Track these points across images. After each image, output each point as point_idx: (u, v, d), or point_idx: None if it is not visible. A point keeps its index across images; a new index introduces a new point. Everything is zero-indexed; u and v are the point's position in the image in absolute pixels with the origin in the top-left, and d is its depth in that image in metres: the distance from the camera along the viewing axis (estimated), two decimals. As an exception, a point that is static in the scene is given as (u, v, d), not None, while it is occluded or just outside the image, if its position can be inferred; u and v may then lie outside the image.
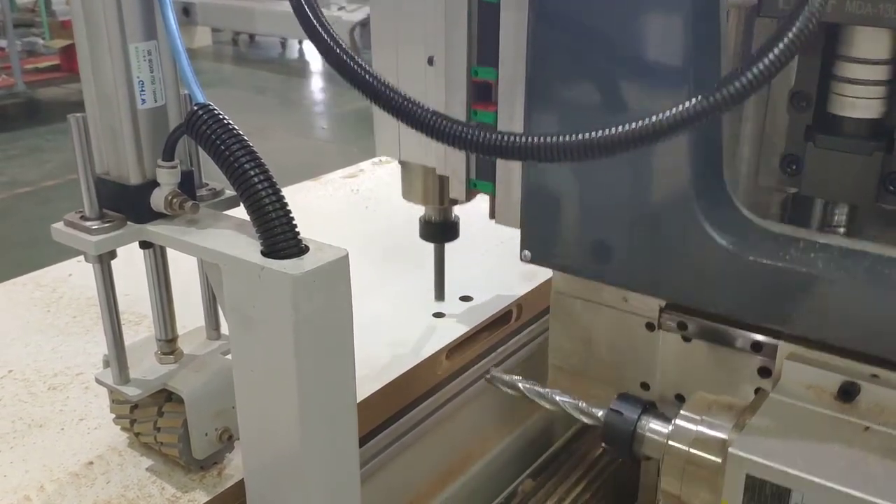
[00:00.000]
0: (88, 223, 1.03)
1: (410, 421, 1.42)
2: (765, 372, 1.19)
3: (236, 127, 0.98)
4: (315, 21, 1.03)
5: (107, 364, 1.13)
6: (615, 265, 1.16)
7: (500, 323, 1.60)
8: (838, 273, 1.00)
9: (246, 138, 0.97)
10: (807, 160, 1.12)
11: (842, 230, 1.15)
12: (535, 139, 0.90)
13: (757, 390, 1.19)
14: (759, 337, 1.18)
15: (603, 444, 1.18)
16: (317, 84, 8.97)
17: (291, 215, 0.96)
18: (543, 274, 1.63)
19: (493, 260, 1.78)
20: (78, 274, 1.73)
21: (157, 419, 1.14)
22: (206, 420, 1.13)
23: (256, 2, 9.02)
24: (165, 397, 1.14)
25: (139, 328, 1.51)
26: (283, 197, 0.96)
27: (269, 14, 8.71)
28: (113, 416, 1.20)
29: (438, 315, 1.57)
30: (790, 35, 0.82)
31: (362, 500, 1.10)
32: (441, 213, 1.47)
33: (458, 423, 1.56)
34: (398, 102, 0.97)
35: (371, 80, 0.98)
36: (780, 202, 1.29)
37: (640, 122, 0.86)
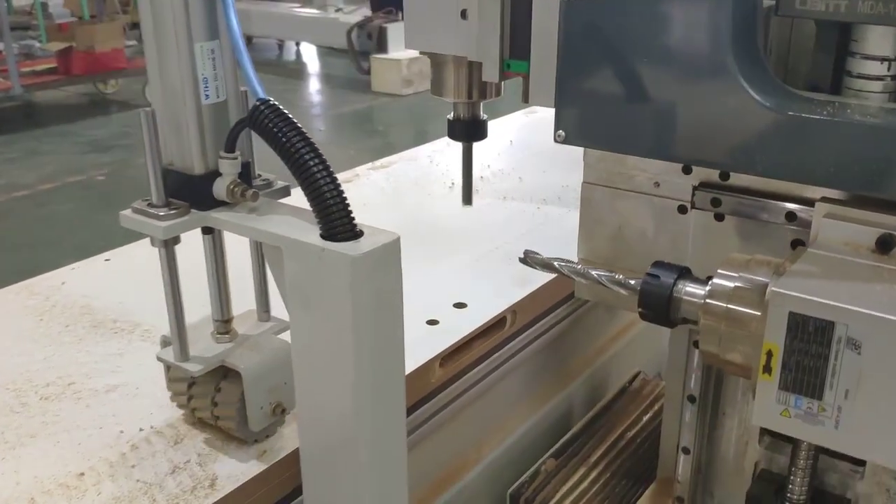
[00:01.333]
0: (156, 210, 1.10)
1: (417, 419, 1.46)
2: (798, 245, 1.20)
3: (296, 121, 1.05)
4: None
5: (165, 344, 1.21)
6: (652, 136, 1.13)
7: (495, 329, 1.60)
8: (881, 121, 1.00)
9: (305, 131, 1.05)
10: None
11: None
12: None
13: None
14: (794, 206, 1.21)
15: (639, 309, 1.17)
16: (314, 86, 9.02)
17: (347, 202, 1.04)
18: (538, 279, 1.66)
19: (488, 265, 1.77)
20: (71, 282, 1.73)
21: (214, 394, 1.21)
22: (261, 394, 1.20)
23: (252, 3, 9.08)
24: (222, 374, 1.22)
25: (132, 336, 1.51)
26: (339, 185, 1.04)
27: (266, 16, 8.76)
28: (169, 394, 1.27)
29: (432, 322, 1.56)
30: None
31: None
32: (469, 108, 1.46)
33: (489, 401, 1.62)
34: None
35: None
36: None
37: None
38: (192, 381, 1.23)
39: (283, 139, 1.04)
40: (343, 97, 8.32)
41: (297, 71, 9.51)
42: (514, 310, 1.62)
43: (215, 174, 1.12)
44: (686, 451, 1.49)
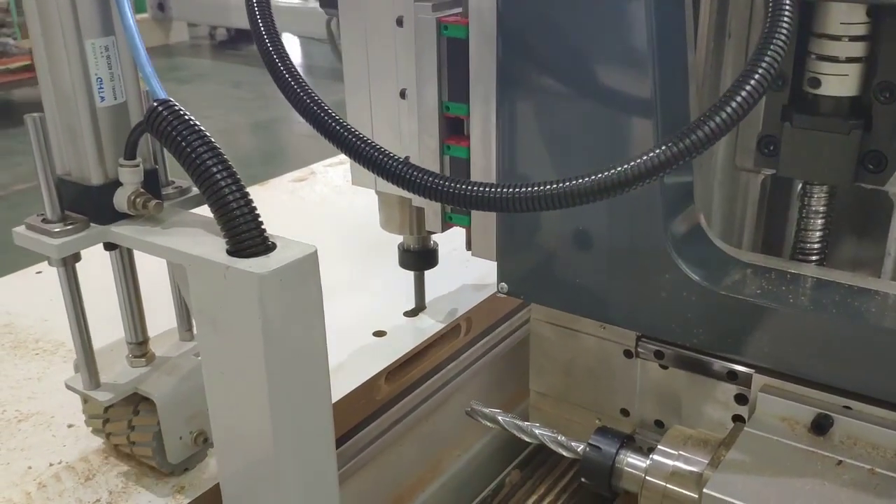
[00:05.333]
0: (50, 226, 1.00)
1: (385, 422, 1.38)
2: (741, 399, 1.19)
3: (198, 123, 0.95)
4: (287, 75, 1.02)
5: (77, 369, 1.11)
6: (591, 299, 1.16)
7: (449, 338, 1.50)
8: (809, 306, 1.00)
9: (208, 134, 0.94)
10: (783, 141, 1.11)
11: (821, 215, 1.14)
12: (501, 190, 0.91)
13: (735, 417, 1.20)
14: (735, 366, 1.17)
15: (582, 479, 1.18)
16: (296, 77, 8.89)
17: (257, 212, 0.94)
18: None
19: (442, 270, 1.64)
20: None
21: (131, 420, 1.11)
22: (179, 423, 1.10)
23: (232, -5, 8.91)
24: (141, 399, 1.11)
25: (53, 358, 1.41)
26: (247, 194, 0.93)
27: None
28: (85, 416, 1.17)
29: (379, 334, 1.47)
30: (756, 77, 0.83)
31: (346, 498, 1.07)
32: (419, 241, 1.45)
33: (443, 416, 1.53)
34: (370, 154, 0.99)
35: (344, 132, 0.99)
36: (760, 183, 1.27)
37: (606, 173, 0.86)
38: (109, 404, 1.13)
39: (183, 143, 0.93)
40: (325, 87, 8.17)
41: (279, 62, 9.38)
42: (469, 317, 1.52)
43: (116, 184, 1.01)
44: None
